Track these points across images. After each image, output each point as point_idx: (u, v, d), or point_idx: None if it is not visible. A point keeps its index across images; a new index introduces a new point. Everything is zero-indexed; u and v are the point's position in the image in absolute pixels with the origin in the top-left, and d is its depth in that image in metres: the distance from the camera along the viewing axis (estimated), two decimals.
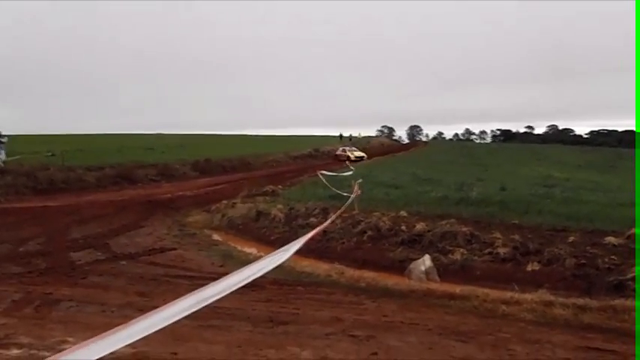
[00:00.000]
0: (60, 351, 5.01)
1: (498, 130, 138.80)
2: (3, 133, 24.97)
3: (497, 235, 10.09)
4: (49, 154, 29.54)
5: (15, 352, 5.33)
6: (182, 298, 2.83)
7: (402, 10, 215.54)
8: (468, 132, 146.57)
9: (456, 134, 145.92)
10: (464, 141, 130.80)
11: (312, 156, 45.50)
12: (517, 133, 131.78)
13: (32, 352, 5.31)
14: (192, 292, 2.93)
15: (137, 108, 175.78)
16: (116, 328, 2.41)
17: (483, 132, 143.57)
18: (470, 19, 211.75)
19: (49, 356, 4.97)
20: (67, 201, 18.35)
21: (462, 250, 9.74)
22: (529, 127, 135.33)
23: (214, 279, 7.41)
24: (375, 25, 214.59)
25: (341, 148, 46.77)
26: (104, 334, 2.37)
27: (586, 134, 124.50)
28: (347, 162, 35.38)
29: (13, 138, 27.87)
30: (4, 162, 23.97)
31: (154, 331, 2.53)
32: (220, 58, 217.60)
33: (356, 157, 43.10)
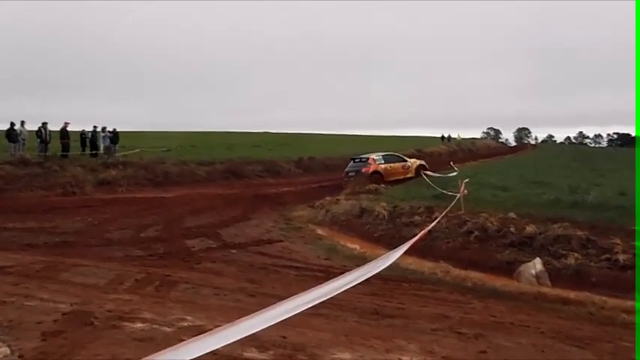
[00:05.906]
0: (179, 327, 5.36)
1: (615, 134, 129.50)
2: (117, 130, 27.24)
3: (617, 240, 9.44)
4: (165, 149, 31.51)
5: (139, 325, 5.75)
6: (305, 292, 2.93)
7: (517, 7, 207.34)
8: (582, 135, 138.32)
9: (568, 137, 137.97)
10: (577, 145, 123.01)
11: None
12: (637, 138, 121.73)
13: (154, 326, 5.69)
14: (313, 288, 3.02)
15: (249, 107, 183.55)
16: (244, 318, 2.48)
17: (599, 135, 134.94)
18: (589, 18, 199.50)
19: (171, 331, 5.33)
20: (180, 193, 19.52)
21: (576, 254, 9.24)
22: None
23: (320, 271, 7.59)
24: (489, 19, 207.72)
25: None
26: (238, 320, 2.46)
27: None
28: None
29: (132, 134, 29.98)
30: (106, 150, 26.18)
31: (277, 321, 2.62)
32: (332, 55, 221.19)
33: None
